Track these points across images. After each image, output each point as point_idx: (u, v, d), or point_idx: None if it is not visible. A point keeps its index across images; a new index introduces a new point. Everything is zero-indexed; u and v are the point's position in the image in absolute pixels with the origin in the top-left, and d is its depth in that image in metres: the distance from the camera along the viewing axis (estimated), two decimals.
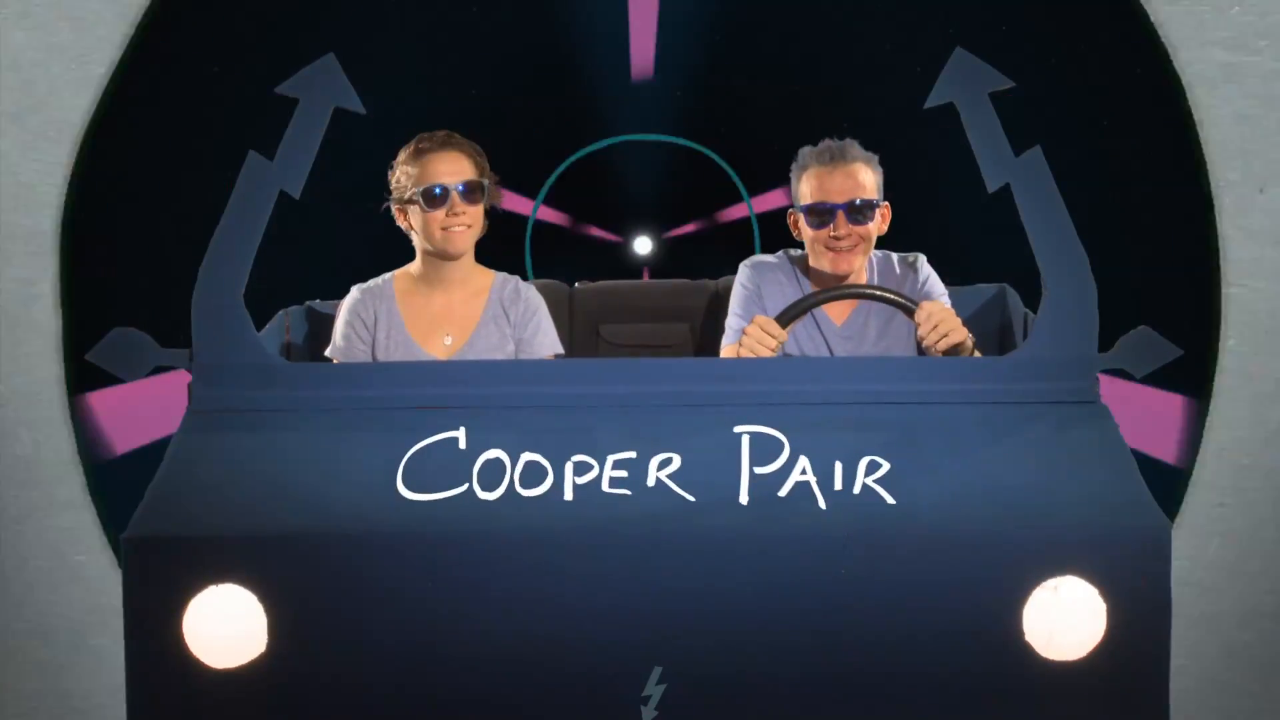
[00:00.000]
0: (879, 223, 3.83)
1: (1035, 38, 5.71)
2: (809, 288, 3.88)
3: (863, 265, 3.87)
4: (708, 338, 4.37)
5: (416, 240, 3.81)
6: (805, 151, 3.89)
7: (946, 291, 3.91)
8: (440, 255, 3.77)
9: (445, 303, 3.83)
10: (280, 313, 4.00)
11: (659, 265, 6.71)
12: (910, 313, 3.57)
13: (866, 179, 3.80)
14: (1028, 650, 2.79)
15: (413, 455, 2.96)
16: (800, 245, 3.94)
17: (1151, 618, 2.80)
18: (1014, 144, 3.11)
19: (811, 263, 3.87)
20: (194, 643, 2.79)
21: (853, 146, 3.84)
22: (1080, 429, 3.01)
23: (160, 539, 2.79)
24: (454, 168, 3.74)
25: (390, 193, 3.80)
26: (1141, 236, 5.53)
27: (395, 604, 2.79)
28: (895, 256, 3.96)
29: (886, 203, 3.86)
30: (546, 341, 3.85)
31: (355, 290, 3.85)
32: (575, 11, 6.32)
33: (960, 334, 3.51)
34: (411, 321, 3.80)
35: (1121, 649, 2.80)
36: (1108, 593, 2.79)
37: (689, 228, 7.68)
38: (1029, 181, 3.09)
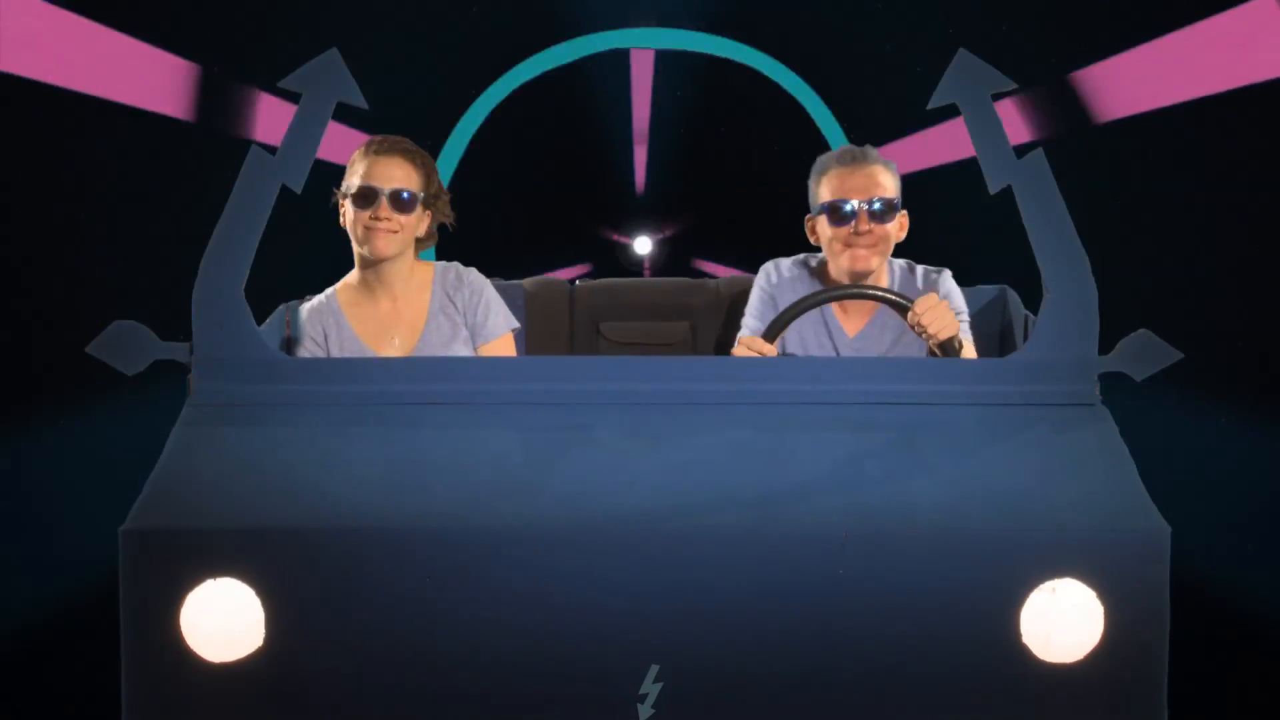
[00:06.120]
0: (898, 227, 3.86)
1: (1035, 38, 5.73)
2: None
3: (882, 267, 3.88)
4: (708, 336, 4.37)
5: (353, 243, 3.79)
6: (825, 157, 3.93)
7: (967, 310, 3.91)
8: (367, 256, 3.75)
9: (391, 305, 3.80)
10: (281, 307, 3.99)
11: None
12: (905, 311, 3.57)
13: (886, 181, 3.84)
14: (1025, 652, 2.79)
15: (411, 450, 2.96)
16: (817, 250, 3.94)
17: (1149, 621, 2.79)
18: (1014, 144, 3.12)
19: (830, 265, 3.89)
20: (191, 636, 2.78)
21: (872, 151, 3.88)
22: (1080, 431, 3.01)
23: (158, 532, 2.79)
24: (393, 173, 3.70)
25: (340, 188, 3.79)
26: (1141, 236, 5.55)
27: (392, 599, 2.78)
28: (920, 268, 3.97)
29: (905, 210, 3.89)
30: (500, 321, 3.82)
31: (301, 311, 3.82)
32: (575, 12, 6.33)
33: (949, 331, 3.52)
34: (361, 328, 3.78)
35: (1119, 652, 2.79)
36: (1105, 595, 2.78)
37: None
38: (1031, 183, 3.09)
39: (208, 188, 3.49)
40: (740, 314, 4.29)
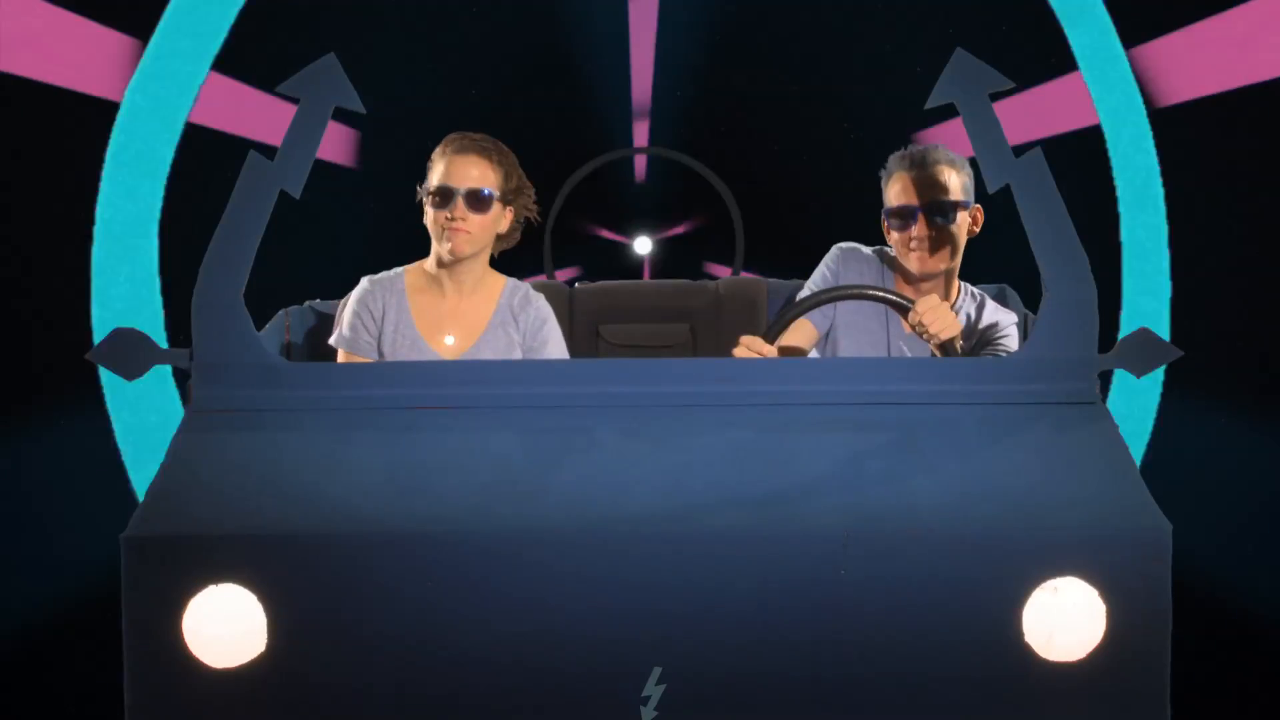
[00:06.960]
0: (965, 225, 3.82)
1: (1035, 37, 5.73)
2: (891, 284, 3.88)
3: (953, 272, 3.86)
4: (708, 338, 4.37)
5: None
6: (892, 157, 3.88)
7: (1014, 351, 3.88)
8: (444, 256, 3.77)
9: (455, 303, 3.82)
10: (281, 312, 4.00)
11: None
12: (905, 311, 3.56)
13: (951, 181, 3.79)
14: (1027, 651, 2.79)
15: (412, 455, 2.96)
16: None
17: (1152, 619, 2.79)
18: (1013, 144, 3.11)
19: (901, 264, 3.87)
20: (193, 642, 2.78)
21: (936, 150, 3.83)
22: (1080, 430, 3.01)
23: (160, 539, 2.79)
24: (470, 172, 3.73)
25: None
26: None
27: (395, 604, 2.78)
28: (991, 304, 3.94)
29: (977, 205, 3.84)
30: (555, 350, 3.85)
31: (365, 281, 3.85)
32: (575, 12, 6.33)
33: (949, 331, 3.52)
34: (420, 318, 3.80)
35: (1121, 650, 2.79)
36: (1108, 594, 2.78)
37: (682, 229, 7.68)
38: (1029, 182, 3.09)
39: (208, 189, 3.49)
40: (739, 315, 4.29)
